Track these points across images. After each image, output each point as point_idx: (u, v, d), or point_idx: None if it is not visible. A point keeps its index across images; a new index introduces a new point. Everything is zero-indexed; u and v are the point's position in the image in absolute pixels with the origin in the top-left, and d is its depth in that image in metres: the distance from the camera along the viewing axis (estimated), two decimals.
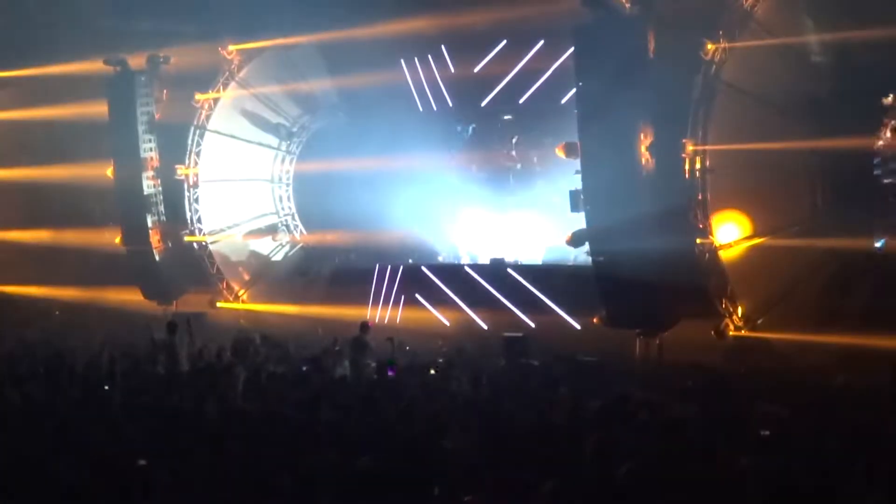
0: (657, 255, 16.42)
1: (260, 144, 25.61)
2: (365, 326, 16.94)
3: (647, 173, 16.80)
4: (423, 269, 22.96)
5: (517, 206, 22.94)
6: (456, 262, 23.33)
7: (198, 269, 24.99)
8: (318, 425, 10.31)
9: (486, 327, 21.15)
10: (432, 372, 14.89)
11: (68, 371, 14.48)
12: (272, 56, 24.54)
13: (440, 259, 23.72)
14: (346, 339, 16.93)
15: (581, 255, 19.32)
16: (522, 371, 16.22)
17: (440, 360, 16.41)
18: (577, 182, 17.75)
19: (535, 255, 22.39)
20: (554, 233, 20.87)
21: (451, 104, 23.47)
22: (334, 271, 24.80)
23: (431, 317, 21.93)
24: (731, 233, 17.12)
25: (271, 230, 26.27)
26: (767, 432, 9.37)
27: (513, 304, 20.90)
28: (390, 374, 14.67)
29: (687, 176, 16.96)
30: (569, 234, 18.14)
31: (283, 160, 26.31)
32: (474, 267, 22.28)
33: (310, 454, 8.80)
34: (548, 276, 21.16)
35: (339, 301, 22.72)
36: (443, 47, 22.84)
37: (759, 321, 16.78)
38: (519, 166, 22.78)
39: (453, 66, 22.94)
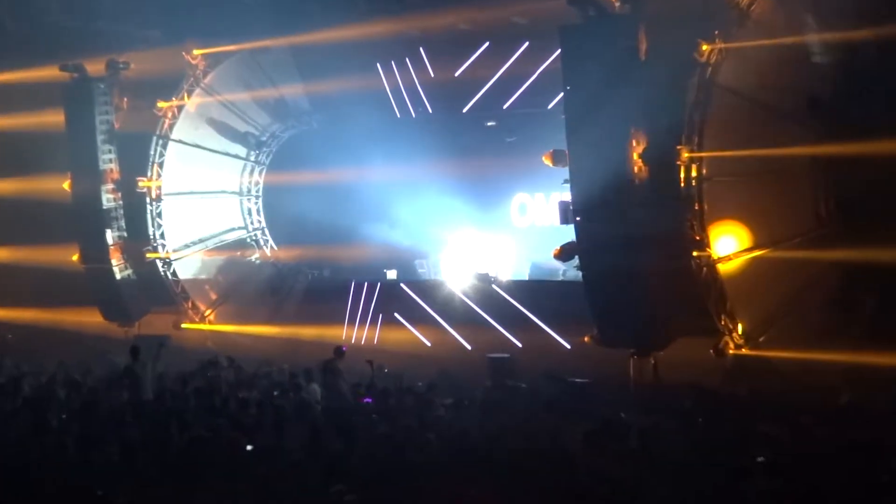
0: (651, 269, 16.41)
1: (227, 155, 25.51)
2: (339, 351, 16.68)
3: (640, 182, 16.79)
4: (402, 285, 22.91)
5: (500, 219, 22.99)
6: (437, 277, 23.25)
7: (161, 288, 24.81)
8: (284, 455, 10.25)
9: (469, 347, 21.07)
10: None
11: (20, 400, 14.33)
12: (240, 61, 24.51)
13: (420, 274, 23.64)
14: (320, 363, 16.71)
15: (570, 270, 19.27)
16: (509, 393, 16.18)
17: (420, 384, 16.30)
18: (565, 192, 17.73)
19: (521, 270, 22.38)
20: (541, 246, 20.91)
21: (430, 110, 23.43)
22: (307, 289, 24.80)
23: (411, 337, 21.87)
24: (729, 245, 17.04)
25: (240, 246, 26.16)
26: (763, 458, 9.30)
27: (498, 322, 20.83)
28: (367, 401, 14.52)
29: (682, 185, 16.89)
30: (557, 247, 18.09)
31: (251, 171, 26.21)
32: (457, 283, 22.17)
33: (275, 484, 8.72)
34: (535, 292, 21.12)
35: (313, 320, 22.71)
36: (421, 50, 22.83)
37: (761, 339, 16.72)
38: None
39: (433, 69, 22.92)
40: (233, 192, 26.15)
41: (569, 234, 17.84)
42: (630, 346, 17.61)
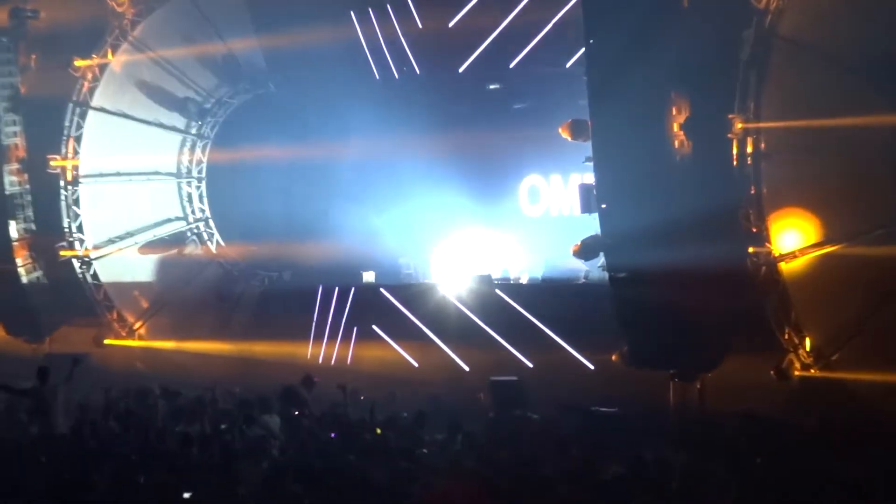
0: (696, 269, 16.30)
1: (162, 126, 25.44)
2: (308, 381, 16.81)
3: (682, 160, 16.75)
4: (382, 290, 22.85)
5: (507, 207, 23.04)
6: (426, 280, 23.22)
7: (79, 294, 24.77)
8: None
9: (467, 368, 21.08)
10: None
11: None
12: (178, 8, 24.44)
13: (405, 277, 23.62)
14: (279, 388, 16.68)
15: (594, 271, 19.32)
16: (517, 426, 16.19)
17: (405, 415, 16.24)
18: (587, 173, 17.78)
19: (532, 271, 22.44)
20: (557, 241, 20.94)
21: (417, 70, 23.36)
22: (263, 295, 24.73)
23: (394, 355, 21.83)
24: (793, 239, 16.99)
25: (177, 241, 26.11)
26: None
27: (504, 337, 20.73)
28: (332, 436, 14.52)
29: (735, 163, 16.86)
30: (576, 243, 18.05)
31: (192, 147, 26.28)
32: (451, 287, 22.15)
33: None
34: (550, 298, 21.08)
35: (269, 335, 22.70)
36: None
37: (833, 357, 16.66)
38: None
39: (420, 19, 22.82)
40: (169, 174, 26.21)
41: (592, 225, 17.80)
42: (669, 367, 17.59)
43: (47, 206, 24.59)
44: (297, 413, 15.84)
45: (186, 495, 10.97)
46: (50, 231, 24.57)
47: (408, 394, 19.28)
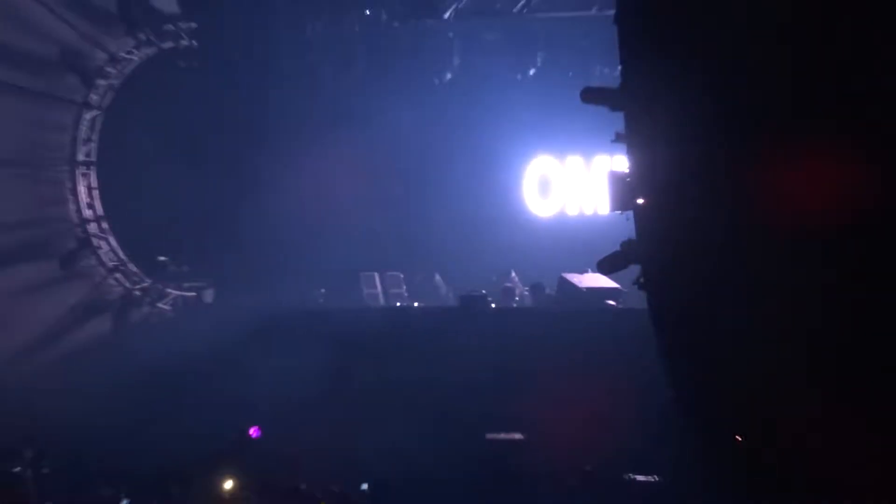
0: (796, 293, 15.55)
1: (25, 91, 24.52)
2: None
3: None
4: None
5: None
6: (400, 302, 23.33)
7: None
8: None
9: None
10: None
11: None
12: None
13: (367, 297, 23.71)
14: None
15: (629, 290, 19.15)
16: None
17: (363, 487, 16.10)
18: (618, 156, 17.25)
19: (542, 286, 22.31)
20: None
21: (384, 14, 23.24)
22: None
23: None
24: None
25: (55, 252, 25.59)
26: None
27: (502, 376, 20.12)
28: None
29: None
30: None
31: (76, 121, 25.75)
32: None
33: None
34: (562, 326, 20.58)
35: None
36: None
37: None
38: None
39: None
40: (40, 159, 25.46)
41: (627, 229, 17.15)
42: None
43: None
44: None
45: None
46: None
47: None
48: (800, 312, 13.09)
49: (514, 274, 24.16)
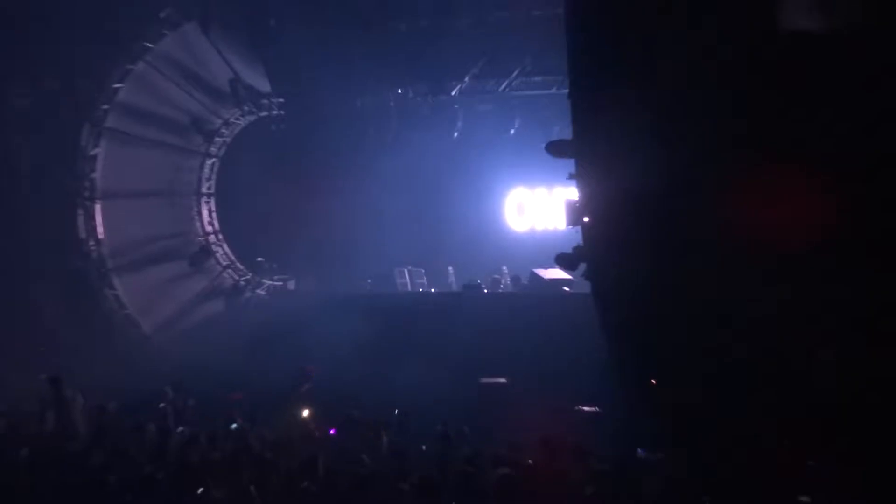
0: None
1: (171, 147, 24.95)
2: (305, 374, 16.81)
3: None
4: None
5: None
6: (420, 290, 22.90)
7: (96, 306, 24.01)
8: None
9: None
10: None
11: None
12: (187, 35, 23.77)
13: (399, 286, 23.37)
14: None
15: (578, 279, 18.97)
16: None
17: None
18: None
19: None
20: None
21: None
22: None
23: None
24: None
25: (191, 253, 25.97)
26: None
27: (493, 342, 19.53)
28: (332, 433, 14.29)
29: None
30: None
31: (201, 166, 26.14)
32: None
33: None
34: (533, 305, 20.57)
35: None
36: None
37: None
38: None
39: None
40: (182, 192, 25.57)
41: (577, 238, 17.35)
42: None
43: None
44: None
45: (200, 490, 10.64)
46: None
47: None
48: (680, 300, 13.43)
49: (505, 268, 24.14)
